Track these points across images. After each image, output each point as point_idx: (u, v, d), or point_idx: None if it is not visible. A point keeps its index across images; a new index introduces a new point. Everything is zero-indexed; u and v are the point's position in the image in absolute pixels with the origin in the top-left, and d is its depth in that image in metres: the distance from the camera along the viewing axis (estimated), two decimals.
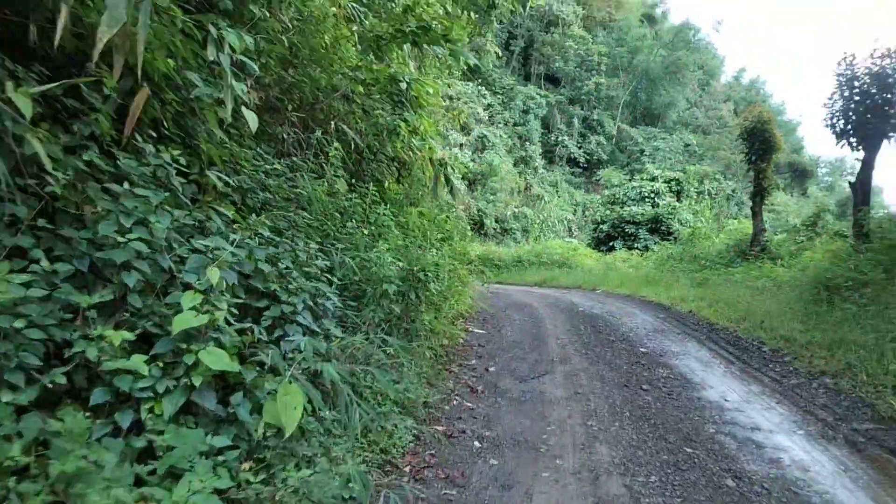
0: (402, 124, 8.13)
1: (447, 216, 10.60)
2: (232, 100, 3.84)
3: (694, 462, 4.81)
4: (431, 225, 10.03)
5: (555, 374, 7.34)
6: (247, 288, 3.97)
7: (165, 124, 3.91)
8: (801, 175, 55.73)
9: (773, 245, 15.72)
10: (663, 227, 27.24)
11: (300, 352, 3.65)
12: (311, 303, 4.17)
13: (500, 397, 6.41)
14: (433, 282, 5.88)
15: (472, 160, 44.90)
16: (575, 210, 49.13)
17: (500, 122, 49.67)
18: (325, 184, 6.58)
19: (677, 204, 27.99)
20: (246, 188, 5.16)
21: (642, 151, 53.83)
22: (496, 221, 43.78)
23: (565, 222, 45.74)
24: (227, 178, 3.99)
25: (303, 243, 4.91)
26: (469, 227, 39.92)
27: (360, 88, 8.30)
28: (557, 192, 49.64)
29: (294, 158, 6.44)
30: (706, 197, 31.50)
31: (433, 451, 4.81)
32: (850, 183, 11.80)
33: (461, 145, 45.44)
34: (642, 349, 8.83)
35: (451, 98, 47.41)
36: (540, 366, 7.69)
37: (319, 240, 5.98)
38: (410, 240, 7.25)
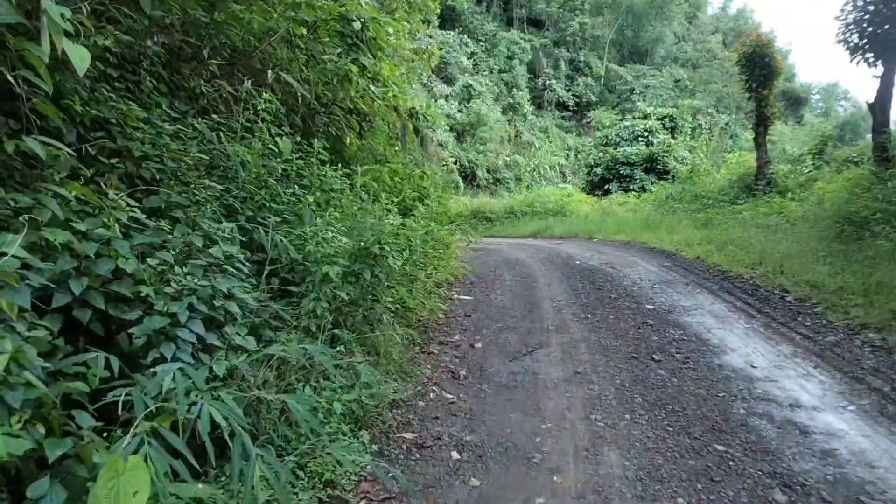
0: (354, 69, 6.81)
1: (423, 172, 9.37)
2: (54, 31, 2.59)
3: (729, 466, 3.71)
4: (405, 183, 8.80)
5: (550, 346, 6.22)
6: (106, 296, 2.79)
7: None
8: (794, 103, 53.94)
9: (779, 177, 14.48)
10: (659, 166, 25.88)
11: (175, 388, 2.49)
12: (204, 307, 2.99)
13: (487, 383, 5.30)
14: (392, 255, 4.70)
15: (460, 111, 43.21)
16: (567, 155, 47.65)
17: (485, 71, 47.72)
18: (260, 144, 5.33)
19: (672, 141, 26.55)
20: (138, 156, 3.94)
21: (632, 90, 52.04)
22: (488, 172, 42.36)
23: (558, 168, 44.32)
24: (57, 144, 2.77)
25: (208, 224, 3.71)
26: (455, 181, 38.64)
27: (303, 31, 6.96)
28: (548, 137, 48.05)
29: (216, 116, 5.17)
30: (703, 131, 29.99)
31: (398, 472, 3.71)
32: (867, 103, 10.49)
33: (446, 96, 43.65)
34: (649, 306, 7.70)
35: (421, 47, 45.35)
36: (533, 336, 6.57)
37: (251, 213, 4.78)
38: (370, 204, 6.01)
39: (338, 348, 4.15)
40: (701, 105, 47.09)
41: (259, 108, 5.32)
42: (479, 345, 6.39)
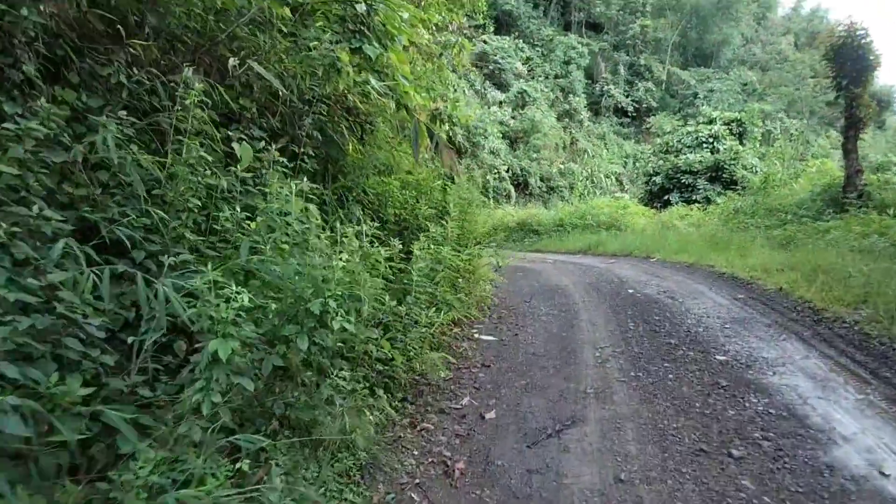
0: (343, 56, 5.32)
1: (444, 185, 7.81)
2: None
3: None
4: (420, 198, 7.26)
5: (586, 423, 4.53)
6: None
7: None
8: (877, 105, 49.69)
9: (873, 189, 12.26)
10: (725, 175, 23.53)
11: None
12: None
13: (490, 487, 3.70)
14: (342, 317, 3.14)
15: (513, 117, 41.52)
16: (625, 163, 45.27)
17: (540, 76, 45.91)
18: (197, 151, 3.89)
19: (740, 148, 24.11)
20: None
21: (695, 95, 49.20)
22: (541, 180, 40.47)
23: (614, 177, 42.02)
24: None
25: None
26: (506, 190, 36.88)
27: (286, 12, 5.52)
28: (605, 144, 45.79)
29: (124, 113, 3.75)
30: (777, 136, 27.29)
31: None
32: None
33: (500, 102, 42.05)
34: (720, 357, 5.91)
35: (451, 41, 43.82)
36: (565, 404, 4.89)
37: (159, 248, 3.34)
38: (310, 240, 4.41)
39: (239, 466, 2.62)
40: (770, 110, 43.86)
41: (188, 100, 3.87)
42: (491, 414, 4.76)
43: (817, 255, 9.17)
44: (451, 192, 7.74)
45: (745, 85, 48.63)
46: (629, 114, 48.47)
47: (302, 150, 5.29)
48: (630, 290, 8.92)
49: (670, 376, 5.41)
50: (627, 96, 48.38)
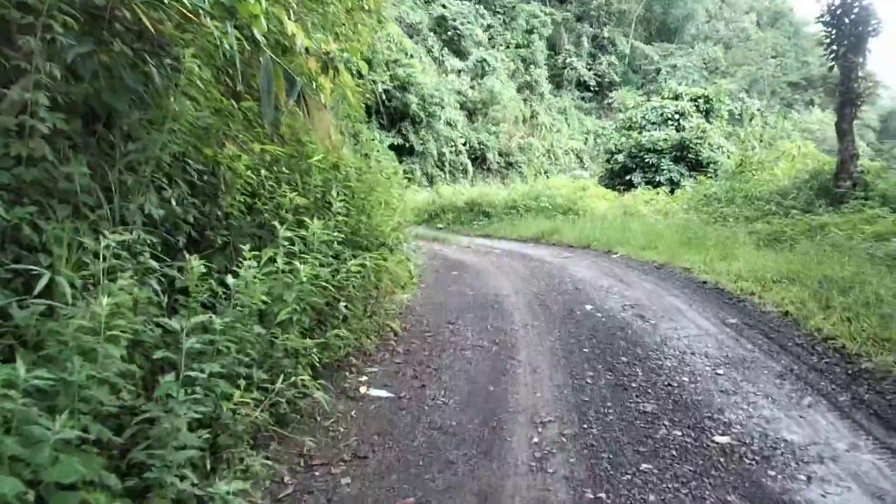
0: None
1: (327, 157, 5.38)
2: None
3: None
4: (276, 178, 4.84)
5: None
6: None
7: None
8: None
9: (871, 177, 10.34)
10: (691, 156, 21.58)
11: None
12: None
13: None
14: None
15: (472, 87, 38.90)
16: (586, 139, 43.29)
17: (501, 45, 43.25)
18: None
19: (707, 126, 22.17)
20: None
21: (658, 70, 47.34)
22: (500, 155, 38.15)
23: (574, 153, 39.99)
24: None
25: None
26: (462, 165, 34.46)
27: None
28: (566, 119, 43.67)
29: None
30: (755, 113, 25.35)
31: None
32: None
33: (459, 71, 39.34)
34: (721, 438, 3.74)
35: (444, 18, 41.02)
36: None
37: None
38: None
39: None
40: (734, 88, 42.22)
41: None
42: None
43: (823, 262, 7.10)
44: (342, 173, 5.35)
45: (708, 63, 46.91)
46: (591, 88, 46.36)
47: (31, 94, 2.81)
48: (588, 307, 6.71)
49: (651, 486, 3.21)
50: (590, 69, 46.20)
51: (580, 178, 26.60)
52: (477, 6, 42.07)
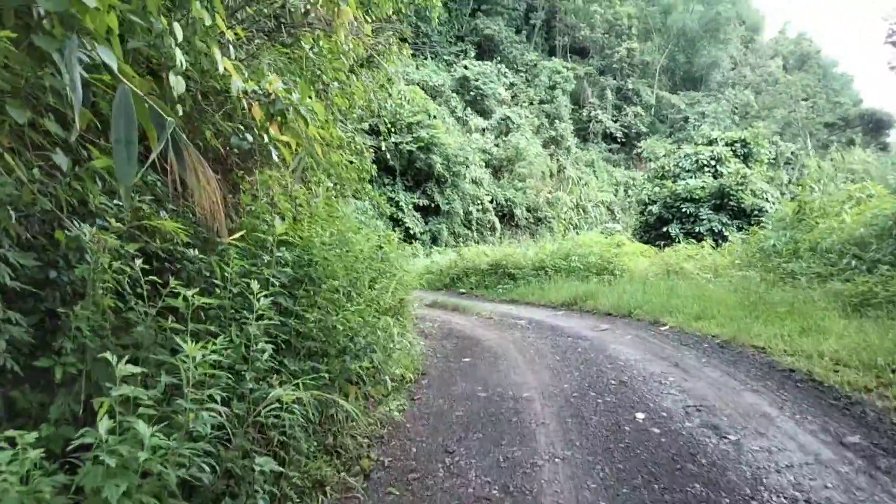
0: None
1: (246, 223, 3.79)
2: None
3: None
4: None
5: None
6: None
7: None
8: (875, 127, 46.15)
9: None
10: (732, 203, 19.61)
11: None
12: None
13: None
14: None
15: (496, 145, 37.84)
16: (615, 191, 41.57)
17: (524, 102, 42.42)
18: None
19: (748, 171, 20.25)
20: None
21: (686, 119, 45.77)
22: (528, 210, 36.62)
23: (604, 206, 38.18)
24: None
25: None
26: (490, 222, 32.93)
27: None
28: (594, 171, 42.14)
29: None
30: (792, 156, 23.28)
31: None
32: None
33: (483, 130, 38.41)
34: None
35: (466, 79, 40.41)
36: None
37: None
38: None
39: None
40: (765, 132, 40.27)
41: None
42: None
43: None
44: (288, 253, 3.72)
45: (736, 109, 45.16)
46: (618, 139, 44.94)
47: None
48: (640, 416, 4.85)
49: None
50: (616, 121, 44.89)
51: (613, 232, 24.68)
52: (499, 66, 41.51)
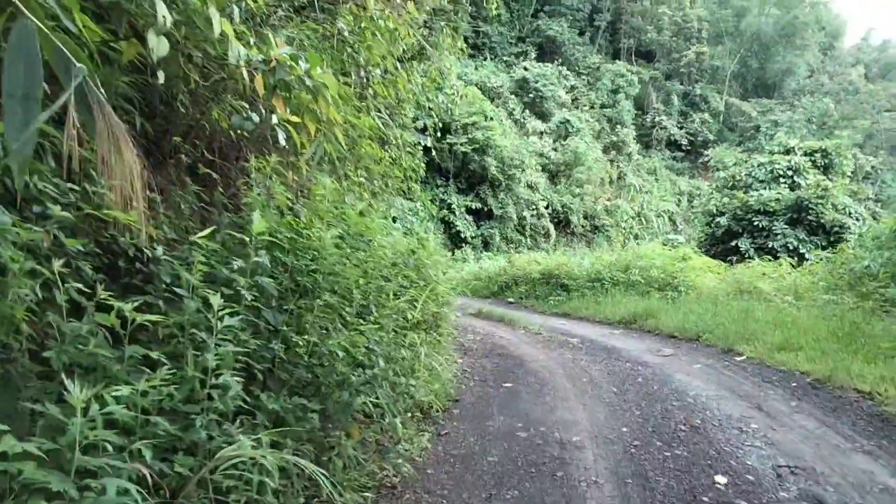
0: None
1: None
2: None
3: None
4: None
5: None
6: None
7: None
8: None
9: None
10: (811, 218, 17.87)
11: None
12: None
13: None
14: None
15: (555, 149, 36.55)
16: (678, 200, 39.60)
17: (585, 106, 40.98)
18: None
19: (829, 184, 18.46)
20: None
21: (757, 128, 43.29)
22: (584, 218, 35.18)
23: (666, 216, 36.35)
24: None
25: None
26: (544, 228, 31.73)
27: None
28: (656, 180, 40.27)
29: None
30: (871, 170, 21.24)
31: None
32: None
33: (541, 133, 37.20)
34: None
35: (526, 80, 39.28)
36: None
37: None
38: None
39: None
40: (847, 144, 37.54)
41: None
42: None
43: None
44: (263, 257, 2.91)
45: (814, 118, 42.33)
46: (683, 147, 42.88)
47: None
48: (720, 480, 3.77)
49: None
50: (681, 128, 42.84)
51: (675, 244, 23.16)
52: (560, 68, 40.22)
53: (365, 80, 6.52)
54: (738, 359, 7.22)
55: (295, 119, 3.66)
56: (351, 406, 3.03)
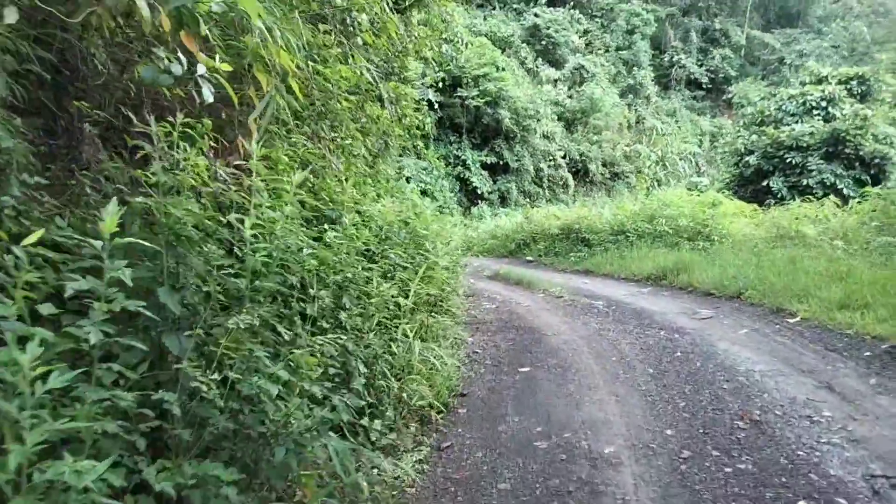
0: None
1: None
2: None
3: None
4: None
5: None
6: None
7: None
8: None
9: None
10: (849, 151, 16.38)
11: None
12: None
13: None
14: None
15: (570, 96, 34.74)
16: (700, 142, 37.67)
17: (600, 50, 38.79)
18: None
19: (868, 112, 16.83)
20: None
21: (781, 60, 40.69)
22: (603, 166, 33.59)
23: (691, 158, 34.60)
24: None
25: None
26: (563, 178, 30.42)
27: None
28: (677, 122, 38.28)
29: None
30: None
31: None
32: None
33: (555, 81, 35.36)
34: None
35: (537, 27, 37.16)
36: None
37: None
38: None
39: None
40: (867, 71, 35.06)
41: None
42: None
43: None
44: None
45: (847, 43, 39.55)
46: (703, 86, 40.60)
47: None
48: None
49: None
50: (701, 66, 40.51)
51: (699, 187, 21.78)
52: (572, 11, 37.96)
53: (350, 27, 5.44)
54: (792, 320, 6.18)
55: (227, 67, 2.72)
56: (291, 466, 2.11)
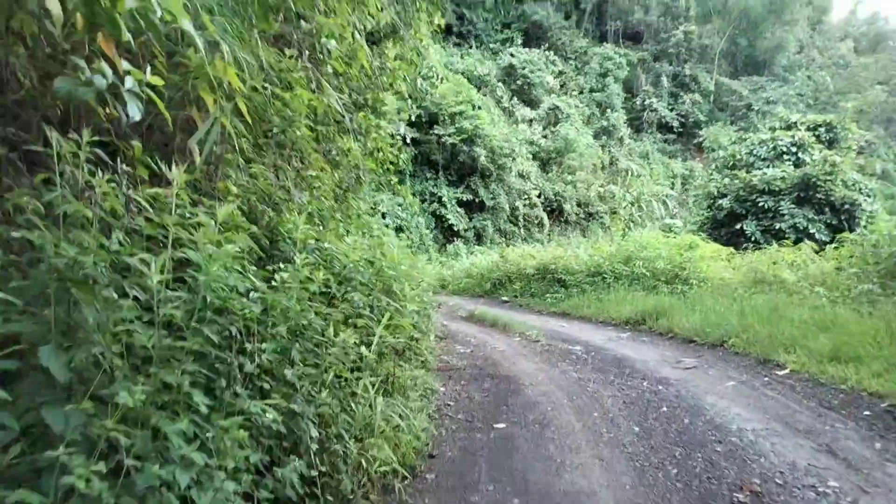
0: None
1: None
2: None
3: None
4: None
5: None
6: None
7: None
8: None
9: None
10: (819, 196, 16.52)
11: None
12: None
13: None
14: None
15: (544, 136, 35.05)
16: (672, 184, 38.20)
17: (574, 91, 39.49)
18: None
19: (837, 159, 17.05)
20: None
21: (749, 106, 41.82)
22: (578, 205, 33.77)
23: (661, 198, 34.95)
24: None
25: None
26: (537, 217, 30.34)
27: None
28: (649, 163, 38.86)
29: None
30: (865, 144, 19.83)
31: None
32: None
33: (530, 120, 35.69)
34: None
35: (512, 67, 37.62)
36: None
37: None
38: None
39: None
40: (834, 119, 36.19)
41: None
42: None
43: None
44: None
45: (812, 92, 40.89)
46: (674, 129, 41.43)
47: None
48: None
49: None
50: (672, 110, 41.38)
51: (673, 228, 21.79)
52: (547, 53, 38.66)
53: (319, 53, 5.06)
54: (780, 373, 5.84)
55: (157, 81, 2.27)
56: None
